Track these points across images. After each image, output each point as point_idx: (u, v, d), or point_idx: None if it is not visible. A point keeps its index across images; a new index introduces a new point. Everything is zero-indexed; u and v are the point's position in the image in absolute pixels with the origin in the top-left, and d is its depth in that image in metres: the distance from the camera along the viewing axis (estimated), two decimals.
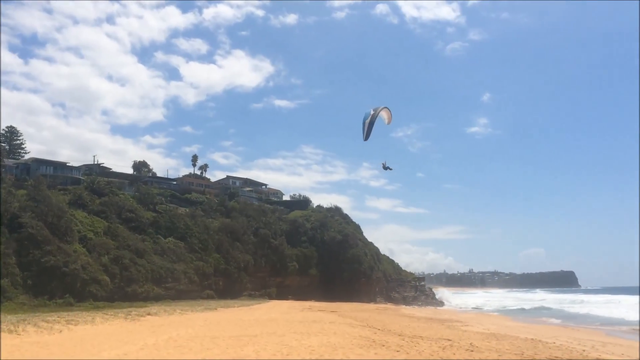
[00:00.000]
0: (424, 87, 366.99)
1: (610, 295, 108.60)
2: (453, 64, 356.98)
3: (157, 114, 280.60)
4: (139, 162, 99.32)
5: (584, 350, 22.36)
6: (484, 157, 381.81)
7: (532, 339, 26.34)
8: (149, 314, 34.35)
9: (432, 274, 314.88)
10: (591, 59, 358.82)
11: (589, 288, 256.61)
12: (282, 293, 72.91)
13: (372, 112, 29.44)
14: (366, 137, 29.67)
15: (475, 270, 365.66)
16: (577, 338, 29.03)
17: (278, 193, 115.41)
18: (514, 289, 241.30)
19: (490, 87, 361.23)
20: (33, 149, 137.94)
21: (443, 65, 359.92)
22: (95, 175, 77.02)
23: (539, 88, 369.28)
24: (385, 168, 30.42)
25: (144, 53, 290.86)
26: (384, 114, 30.47)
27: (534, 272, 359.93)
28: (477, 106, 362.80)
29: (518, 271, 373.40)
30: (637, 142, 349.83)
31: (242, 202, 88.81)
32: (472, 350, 19.82)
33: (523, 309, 72.70)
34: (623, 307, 65.48)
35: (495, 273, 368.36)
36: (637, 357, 20.85)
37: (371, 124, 29.26)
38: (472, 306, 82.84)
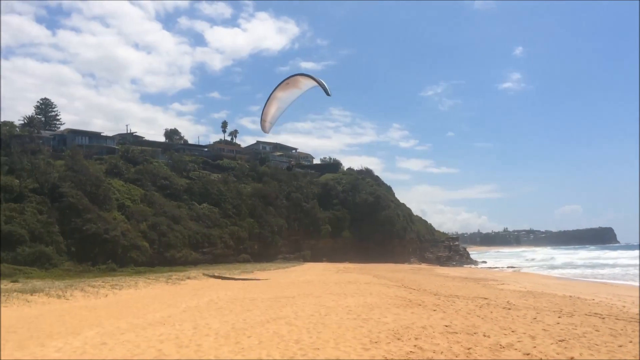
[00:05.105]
0: (452, 44, 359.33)
1: None
2: (482, 17, 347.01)
3: (184, 81, 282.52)
4: (171, 129, 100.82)
5: (624, 306, 22.03)
6: (517, 114, 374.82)
7: (570, 296, 26.07)
8: (188, 278, 35.26)
9: (466, 233, 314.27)
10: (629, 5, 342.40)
11: (628, 244, 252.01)
12: (316, 255, 73.85)
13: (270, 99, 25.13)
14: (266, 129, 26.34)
15: (510, 229, 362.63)
16: (616, 294, 28.60)
17: (308, 157, 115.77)
18: (550, 247, 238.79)
19: (522, 40, 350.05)
20: (67, 119, 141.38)
21: (472, 19, 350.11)
22: (129, 144, 78.47)
23: (574, 39, 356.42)
24: (290, 168, 27.46)
25: (168, 19, 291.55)
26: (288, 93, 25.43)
27: (570, 229, 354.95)
28: (509, 61, 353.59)
29: (554, 229, 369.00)
30: None
31: (273, 167, 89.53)
32: (509, 308, 19.76)
33: (560, 266, 71.97)
34: None
35: (530, 231, 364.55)
36: None
37: (267, 114, 25.48)
38: (508, 265, 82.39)
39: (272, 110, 25.60)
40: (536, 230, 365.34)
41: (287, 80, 24.22)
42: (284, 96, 24.91)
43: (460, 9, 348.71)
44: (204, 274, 38.37)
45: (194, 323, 15.22)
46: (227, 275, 38.28)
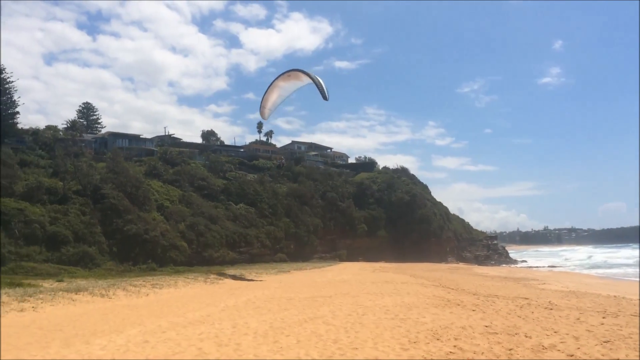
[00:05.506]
0: (488, 38, 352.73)
1: None
2: (520, 11, 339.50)
3: (220, 83, 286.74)
4: (207, 131, 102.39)
5: None
6: (557, 109, 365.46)
7: (614, 296, 25.32)
8: (226, 277, 35.73)
9: (505, 232, 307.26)
10: None
11: None
12: (352, 255, 73.77)
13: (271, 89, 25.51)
14: (265, 115, 26.85)
15: (551, 227, 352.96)
16: None
17: (343, 156, 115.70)
18: (592, 245, 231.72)
19: (562, 33, 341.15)
20: (107, 123, 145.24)
21: (508, 13, 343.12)
22: (167, 146, 79.98)
23: (615, 30, 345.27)
24: (281, 166, 28.29)
25: (203, 22, 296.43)
26: (284, 83, 25.71)
27: (614, 227, 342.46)
28: (548, 55, 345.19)
29: (597, 227, 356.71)
30: None
31: (308, 167, 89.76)
32: (551, 309, 19.31)
33: (601, 265, 69.86)
34: None
35: (572, 230, 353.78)
36: None
37: (268, 101, 25.91)
38: (549, 264, 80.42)
39: (273, 97, 26.11)
40: (578, 229, 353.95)
41: (289, 73, 24.66)
42: (286, 86, 25.37)
43: (496, 3, 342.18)
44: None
45: (232, 322, 15.42)
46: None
